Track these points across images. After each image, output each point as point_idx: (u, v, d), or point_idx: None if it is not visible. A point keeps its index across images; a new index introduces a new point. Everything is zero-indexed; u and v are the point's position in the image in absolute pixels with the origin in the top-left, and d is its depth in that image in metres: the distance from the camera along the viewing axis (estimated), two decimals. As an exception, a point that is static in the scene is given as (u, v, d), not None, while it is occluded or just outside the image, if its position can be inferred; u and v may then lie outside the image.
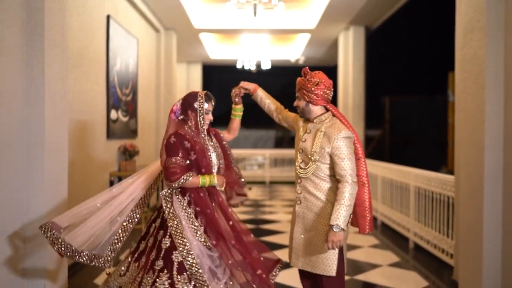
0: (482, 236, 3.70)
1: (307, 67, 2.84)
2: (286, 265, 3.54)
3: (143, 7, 7.65)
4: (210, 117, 2.99)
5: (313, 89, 2.75)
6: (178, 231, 2.76)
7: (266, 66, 11.58)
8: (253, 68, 11.79)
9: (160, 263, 2.77)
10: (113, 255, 2.97)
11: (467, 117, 4.00)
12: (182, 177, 2.77)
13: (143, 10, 7.70)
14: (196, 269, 2.69)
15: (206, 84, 14.54)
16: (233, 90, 3.17)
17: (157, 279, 2.73)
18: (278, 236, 6.25)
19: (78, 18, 5.03)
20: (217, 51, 12.70)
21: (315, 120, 2.85)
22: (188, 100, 2.94)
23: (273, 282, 2.98)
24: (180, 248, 2.73)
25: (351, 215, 2.72)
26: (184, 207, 2.83)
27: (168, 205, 2.83)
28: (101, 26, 5.83)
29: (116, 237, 2.98)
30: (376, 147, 13.20)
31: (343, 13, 8.39)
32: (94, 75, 5.60)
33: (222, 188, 2.95)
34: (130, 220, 3.02)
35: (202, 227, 2.82)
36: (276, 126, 17.05)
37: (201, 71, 14.28)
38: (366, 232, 2.83)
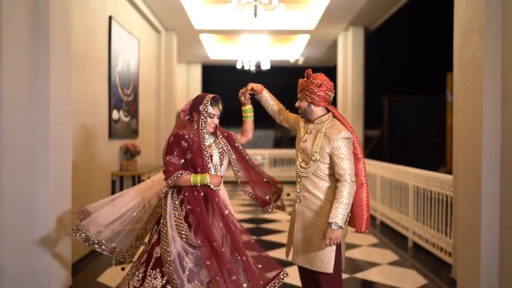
0: (480, 234, 3.76)
1: (310, 69, 2.90)
2: (287, 263, 3.60)
3: (144, 8, 7.70)
4: (215, 120, 3.03)
5: (315, 90, 2.82)
6: (165, 228, 2.87)
7: (265, 66, 11.64)
8: (252, 68, 11.85)
9: (145, 256, 2.96)
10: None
11: (465, 118, 4.06)
12: (174, 174, 2.87)
13: (144, 11, 7.75)
14: (169, 268, 2.79)
15: (205, 85, 14.58)
16: (240, 91, 3.20)
17: (136, 271, 2.93)
18: (279, 235, 6.30)
19: (80, 19, 5.09)
20: (217, 51, 12.76)
21: (315, 121, 2.92)
22: (196, 102, 3.02)
23: None
24: (162, 244, 2.86)
25: (349, 214, 2.80)
26: (175, 206, 2.92)
27: (164, 203, 2.96)
28: (103, 27, 5.89)
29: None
30: (375, 147, 13.26)
31: (342, 14, 8.45)
32: (97, 75, 5.65)
33: (218, 188, 2.96)
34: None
35: (192, 226, 2.89)
36: (275, 126, 17.10)
37: (200, 72, 14.33)
38: (363, 231, 2.89)
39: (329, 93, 2.88)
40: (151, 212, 3.25)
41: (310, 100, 2.86)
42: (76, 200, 4.84)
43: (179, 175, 2.88)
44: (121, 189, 6.56)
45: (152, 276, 2.86)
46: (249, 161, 3.20)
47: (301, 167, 2.88)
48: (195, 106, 3.00)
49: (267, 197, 3.24)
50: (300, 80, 2.95)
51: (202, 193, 2.94)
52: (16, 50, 3.49)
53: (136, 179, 7.02)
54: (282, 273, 2.92)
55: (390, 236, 6.49)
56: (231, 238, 2.89)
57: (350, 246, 5.77)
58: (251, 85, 3.18)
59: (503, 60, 3.69)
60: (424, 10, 11.75)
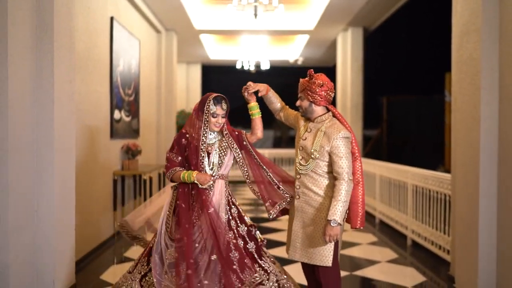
0: (478, 232, 3.83)
1: (312, 70, 2.97)
2: (288, 261, 3.65)
3: (144, 9, 7.76)
4: (219, 120, 3.08)
5: (317, 90, 2.89)
6: (160, 221, 3.10)
7: (265, 66, 11.70)
8: (252, 68, 11.91)
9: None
10: None
11: (463, 117, 4.12)
12: (170, 170, 3.07)
13: (145, 12, 7.80)
14: (153, 259, 3.00)
15: (205, 85, 14.64)
16: (243, 88, 3.18)
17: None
18: (278, 234, 6.36)
19: (83, 20, 5.14)
20: (217, 51, 12.81)
21: (316, 120, 2.99)
22: (201, 101, 3.12)
23: None
24: (155, 235, 3.11)
25: (347, 211, 2.88)
26: (171, 200, 3.11)
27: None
28: (105, 28, 5.94)
29: None
30: (374, 147, 13.32)
31: (341, 14, 8.51)
32: (98, 76, 5.70)
33: (204, 186, 3.00)
34: None
35: (175, 221, 3.03)
36: (274, 126, 17.16)
37: (200, 72, 14.38)
38: (358, 227, 2.96)
39: (330, 93, 2.95)
40: None
41: (311, 100, 2.93)
42: (79, 199, 4.90)
43: (173, 171, 3.07)
44: (123, 188, 6.62)
45: (140, 263, 3.13)
46: (259, 160, 3.17)
47: (301, 164, 2.96)
48: (200, 105, 3.10)
49: (275, 201, 3.17)
50: (302, 79, 3.02)
51: (194, 191, 3.04)
52: (21, 51, 3.54)
53: (137, 178, 7.08)
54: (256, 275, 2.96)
55: (389, 234, 6.56)
56: (213, 237, 2.93)
57: (350, 245, 5.83)
58: (252, 85, 3.16)
59: (500, 60, 3.75)
60: (422, 10, 11.81)
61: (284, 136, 17.18)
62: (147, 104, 8.38)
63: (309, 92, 2.93)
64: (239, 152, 3.14)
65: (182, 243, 2.92)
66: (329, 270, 2.90)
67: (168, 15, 8.57)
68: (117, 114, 6.35)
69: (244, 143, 3.18)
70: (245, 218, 3.19)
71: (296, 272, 3.72)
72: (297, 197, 2.99)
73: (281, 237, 6.15)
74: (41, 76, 3.78)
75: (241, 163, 3.15)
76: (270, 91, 3.25)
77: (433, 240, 5.36)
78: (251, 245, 3.08)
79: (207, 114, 3.06)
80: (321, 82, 2.91)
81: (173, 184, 3.19)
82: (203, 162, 3.05)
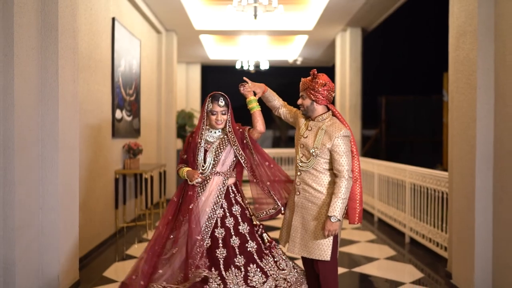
0: (474, 228, 3.91)
1: (315, 69, 3.06)
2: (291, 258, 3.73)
3: (145, 9, 7.83)
4: (218, 117, 3.14)
5: (320, 89, 2.98)
6: None
7: (264, 66, 11.78)
8: (251, 68, 11.98)
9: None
10: None
11: (459, 116, 4.21)
12: (177, 167, 3.26)
13: (146, 12, 7.87)
14: None
15: (205, 85, 14.72)
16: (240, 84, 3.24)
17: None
18: (278, 233, 6.42)
19: (85, 21, 5.21)
20: (216, 51, 12.88)
21: (316, 119, 3.07)
22: (204, 100, 3.20)
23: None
24: None
25: (346, 207, 2.98)
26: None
27: None
28: (107, 29, 6.01)
29: None
30: (373, 146, 13.41)
31: (340, 15, 8.58)
32: (101, 76, 5.78)
33: (193, 182, 3.09)
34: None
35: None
36: (273, 126, 17.24)
37: (200, 72, 14.45)
38: (355, 223, 3.06)
39: (331, 92, 3.05)
40: None
41: (313, 98, 3.02)
42: (81, 197, 4.98)
43: (177, 168, 3.23)
44: (124, 187, 6.69)
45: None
46: (257, 160, 3.18)
47: (302, 161, 3.04)
48: (202, 105, 3.25)
49: (262, 206, 3.23)
50: (304, 79, 3.10)
51: (187, 187, 3.15)
52: (27, 52, 3.61)
53: (138, 177, 7.15)
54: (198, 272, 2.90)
55: (387, 232, 6.64)
56: (188, 232, 3.00)
57: (349, 242, 5.91)
58: (253, 87, 3.21)
59: (496, 60, 3.83)
60: (420, 11, 11.91)
61: (283, 136, 17.27)
62: (148, 104, 8.45)
63: (311, 91, 3.01)
64: (240, 149, 3.16)
65: (158, 231, 3.09)
66: (328, 264, 3.00)
67: (169, 16, 8.64)
68: (118, 114, 6.42)
69: (245, 141, 3.19)
70: (252, 218, 3.17)
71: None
72: (297, 193, 3.08)
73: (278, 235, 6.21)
74: (46, 76, 3.86)
75: (243, 161, 3.18)
76: (268, 90, 3.30)
77: (431, 237, 5.44)
78: (251, 245, 3.07)
79: (205, 112, 3.18)
80: (324, 82, 3.00)
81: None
82: (197, 160, 3.14)
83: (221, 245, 3.01)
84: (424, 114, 13.82)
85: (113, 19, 6.19)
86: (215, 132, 3.21)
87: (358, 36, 9.59)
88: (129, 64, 6.97)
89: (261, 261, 3.02)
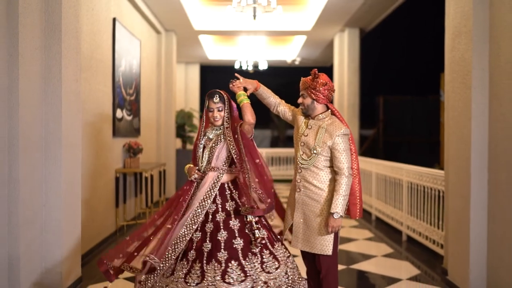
0: (469, 225, 3.99)
1: (316, 69, 3.13)
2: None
3: (145, 10, 7.90)
4: (214, 114, 3.19)
5: (321, 89, 3.06)
6: None
7: (263, 66, 11.85)
8: (250, 68, 12.05)
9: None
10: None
11: (455, 115, 4.29)
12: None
13: (146, 13, 7.94)
14: None
15: (203, 85, 14.78)
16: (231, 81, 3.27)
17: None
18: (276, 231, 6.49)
19: (87, 22, 5.28)
20: (215, 52, 12.96)
21: (316, 117, 3.15)
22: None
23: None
24: None
25: (347, 203, 3.07)
26: None
27: None
28: (108, 29, 6.08)
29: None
30: (370, 146, 13.49)
31: (338, 15, 8.66)
32: (102, 76, 5.84)
33: (191, 178, 3.24)
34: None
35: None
36: (271, 126, 17.31)
37: (199, 72, 14.52)
38: (357, 218, 3.16)
39: (331, 92, 3.14)
40: None
41: (314, 98, 3.10)
42: (83, 195, 5.05)
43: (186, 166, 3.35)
44: (125, 185, 6.76)
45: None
46: (243, 157, 3.12)
47: (303, 159, 3.12)
48: (204, 104, 3.30)
49: (243, 202, 3.17)
50: (305, 78, 3.17)
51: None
52: (31, 52, 3.68)
53: (138, 176, 7.22)
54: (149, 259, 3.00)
55: (384, 230, 6.72)
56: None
57: (347, 240, 5.99)
58: (244, 83, 3.25)
59: (490, 60, 3.92)
60: (418, 12, 11.99)
61: (281, 136, 17.33)
62: (148, 104, 8.52)
63: (312, 90, 3.09)
64: (233, 143, 3.15)
65: (150, 219, 3.31)
66: (329, 259, 3.09)
67: (168, 16, 8.71)
68: (119, 113, 6.49)
69: (236, 136, 3.15)
70: (247, 215, 3.11)
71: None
72: (298, 190, 3.15)
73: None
74: (49, 76, 3.93)
75: (234, 154, 3.15)
76: (261, 87, 3.32)
77: (427, 235, 5.52)
78: (238, 241, 3.05)
79: (204, 110, 3.29)
80: (325, 82, 3.09)
81: None
82: (198, 156, 3.26)
83: (208, 239, 3.06)
84: (422, 114, 13.91)
85: (114, 20, 6.26)
86: (217, 130, 3.27)
87: (356, 37, 9.67)
88: (129, 64, 7.04)
89: (244, 259, 2.99)
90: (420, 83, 14.52)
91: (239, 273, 2.93)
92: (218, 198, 3.16)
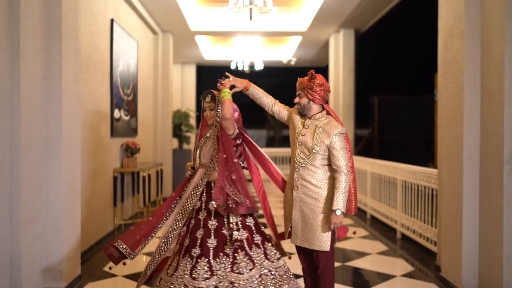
0: (462, 222, 4.08)
1: (313, 70, 3.21)
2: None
3: (142, 11, 7.96)
4: (206, 113, 3.28)
5: (317, 89, 3.14)
6: None
7: (259, 67, 11.92)
8: (246, 69, 12.12)
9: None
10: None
11: (448, 115, 4.38)
12: None
13: (143, 13, 8.00)
14: None
15: (200, 85, 14.84)
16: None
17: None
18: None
19: (85, 23, 5.34)
20: (211, 52, 13.02)
21: (312, 117, 3.23)
22: None
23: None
24: None
25: (347, 200, 3.16)
26: None
27: None
28: (106, 30, 6.14)
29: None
30: (365, 146, 13.58)
31: (333, 16, 8.75)
32: (100, 76, 5.90)
33: (186, 175, 3.36)
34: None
35: None
36: (267, 126, 17.39)
37: (195, 72, 14.57)
38: (352, 213, 3.25)
39: (327, 93, 3.22)
40: None
41: (311, 98, 3.18)
42: (82, 195, 5.10)
43: None
44: (122, 185, 6.82)
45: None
46: (222, 151, 3.15)
47: (301, 158, 3.19)
48: None
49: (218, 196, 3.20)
50: (301, 79, 3.25)
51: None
52: (32, 53, 3.74)
53: (136, 176, 7.28)
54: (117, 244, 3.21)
55: (379, 229, 6.80)
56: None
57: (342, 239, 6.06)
58: (233, 81, 3.30)
59: (482, 61, 4.01)
60: (413, 13, 12.10)
61: (277, 136, 17.41)
62: (145, 104, 8.58)
63: (309, 90, 3.17)
64: (215, 141, 3.19)
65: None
66: (327, 255, 3.18)
67: (165, 17, 8.77)
68: (117, 113, 6.55)
69: (218, 133, 3.18)
70: (229, 216, 3.15)
71: (294, 265, 3.93)
72: (296, 188, 3.23)
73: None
74: (50, 77, 4.00)
75: (213, 152, 3.19)
76: (251, 86, 3.36)
77: (421, 232, 5.61)
78: (211, 241, 3.11)
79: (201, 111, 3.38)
80: (321, 82, 3.17)
81: None
82: (196, 154, 3.36)
83: (188, 235, 3.18)
84: (417, 114, 14.03)
85: (112, 21, 6.32)
86: (212, 129, 3.35)
87: (351, 37, 9.76)
88: (127, 64, 7.10)
89: (214, 259, 3.06)
90: (414, 83, 14.65)
91: (206, 269, 3.03)
92: (204, 195, 3.23)
